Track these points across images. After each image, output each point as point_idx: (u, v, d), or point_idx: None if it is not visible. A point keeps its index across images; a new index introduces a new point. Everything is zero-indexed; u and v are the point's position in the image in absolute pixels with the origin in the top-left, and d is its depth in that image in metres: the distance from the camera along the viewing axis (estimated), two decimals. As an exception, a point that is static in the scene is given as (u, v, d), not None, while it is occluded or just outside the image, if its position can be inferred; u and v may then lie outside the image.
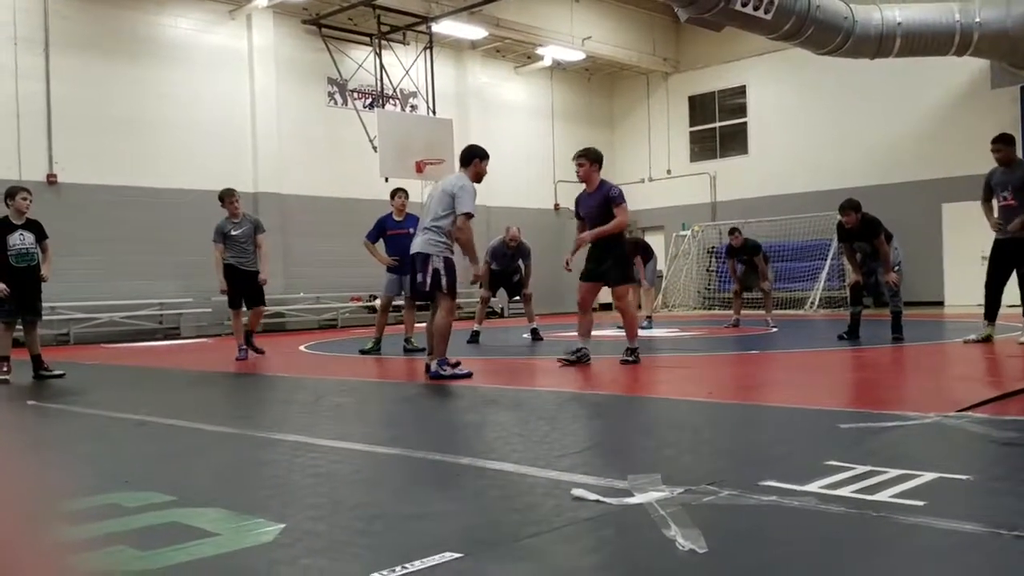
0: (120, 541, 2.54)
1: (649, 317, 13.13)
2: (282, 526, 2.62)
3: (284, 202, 18.21)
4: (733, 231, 13.26)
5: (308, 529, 2.62)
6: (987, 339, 8.44)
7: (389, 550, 2.37)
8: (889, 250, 9.21)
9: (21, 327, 8.46)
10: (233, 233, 9.68)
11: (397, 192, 10.27)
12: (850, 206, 9.09)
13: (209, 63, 17.39)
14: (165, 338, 16.14)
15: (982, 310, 8.66)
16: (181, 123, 16.84)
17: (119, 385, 8.17)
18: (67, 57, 15.56)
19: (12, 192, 8.18)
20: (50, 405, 6.33)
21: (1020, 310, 8.86)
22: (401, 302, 10.57)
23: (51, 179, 15.28)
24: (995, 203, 8.44)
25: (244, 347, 9.82)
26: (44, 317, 8.89)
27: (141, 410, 5.78)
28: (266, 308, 10.60)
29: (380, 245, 10.17)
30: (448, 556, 2.27)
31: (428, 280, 6.92)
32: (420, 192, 18.81)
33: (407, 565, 2.20)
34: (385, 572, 2.15)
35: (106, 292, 15.80)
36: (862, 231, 9.23)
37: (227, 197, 9.82)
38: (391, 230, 10.11)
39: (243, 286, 9.75)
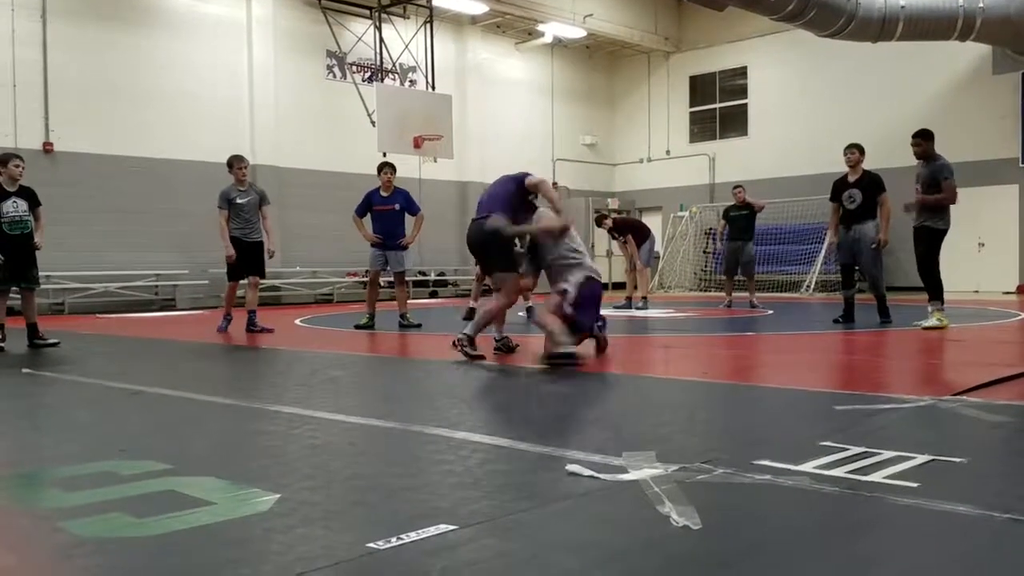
0: (116, 508, 2.54)
1: (644, 298, 13.13)
2: (278, 496, 2.63)
3: (281, 175, 18.14)
4: (738, 187, 13.33)
5: (304, 499, 2.62)
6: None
7: (384, 521, 2.38)
8: (889, 212, 9.25)
9: (17, 295, 8.44)
10: (239, 201, 9.53)
11: (384, 167, 10.14)
12: (924, 135, 9.02)
13: (208, 33, 17.27)
14: (160, 309, 16.12)
15: (976, 296, 8.88)
16: (179, 93, 16.74)
17: (114, 355, 8.16)
18: (65, 24, 15.43)
19: (4, 159, 8.13)
20: (45, 373, 6.33)
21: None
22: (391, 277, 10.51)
23: (47, 147, 15.20)
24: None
25: (229, 317, 9.74)
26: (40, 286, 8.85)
27: (136, 380, 5.78)
28: (262, 281, 10.51)
29: (368, 220, 10.12)
30: (443, 528, 2.28)
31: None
32: (418, 168, 18.80)
33: (402, 536, 2.21)
34: (381, 542, 2.16)
35: (102, 262, 15.76)
36: (868, 184, 9.28)
37: (236, 163, 9.64)
38: (378, 205, 10.03)
39: (244, 258, 9.60)
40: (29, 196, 8.16)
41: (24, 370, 6.47)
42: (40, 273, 8.52)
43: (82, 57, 15.63)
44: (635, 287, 13.26)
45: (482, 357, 6.40)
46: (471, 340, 6.43)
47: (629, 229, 13.14)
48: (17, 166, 8.11)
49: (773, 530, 2.33)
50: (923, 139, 8.86)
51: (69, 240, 14.55)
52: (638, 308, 12.80)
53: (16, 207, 8.04)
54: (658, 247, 18.85)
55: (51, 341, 8.27)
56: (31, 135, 15.02)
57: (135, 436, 3.90)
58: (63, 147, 15.37)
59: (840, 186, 9.52)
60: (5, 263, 7.96)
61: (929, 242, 8.69)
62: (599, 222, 13.28)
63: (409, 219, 10.15)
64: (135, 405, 4.88)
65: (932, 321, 8.67)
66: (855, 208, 9.30)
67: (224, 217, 9.51)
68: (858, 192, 9.29)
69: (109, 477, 2.95)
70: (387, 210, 9.98)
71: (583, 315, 6.24)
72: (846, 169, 9.58)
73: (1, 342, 7.96)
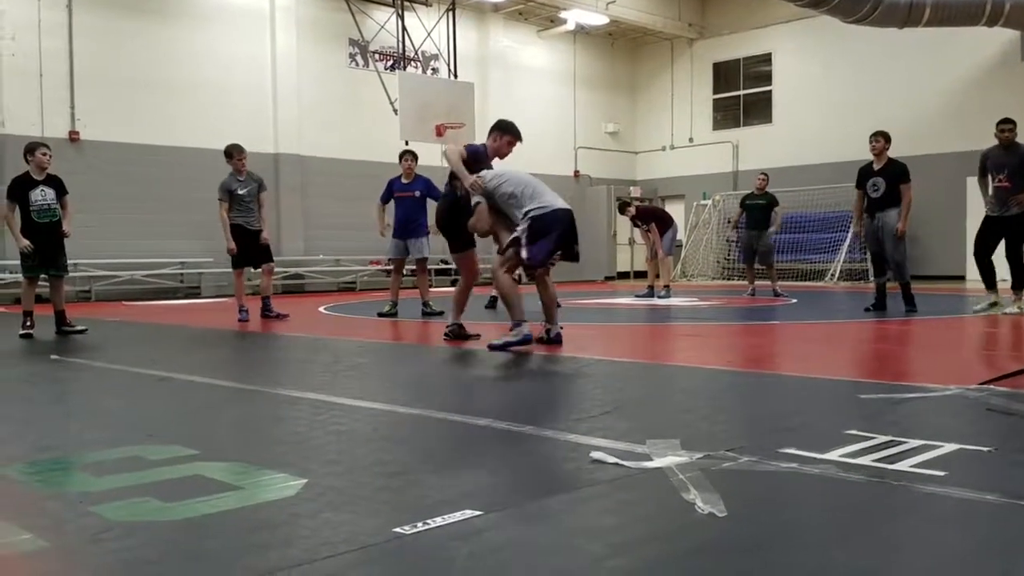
0: (144, 492, 2.57)
1: (667, 286, 13.08)
2: (304, 481, 2.65)
3: (304, 164, 18.22)
4: (763, 174, 13.28)
5: (329, 485, 2.64)
6: (994, 306, 8.95)
7: (410, 507, 2.39)
8: (910, 202, 9.19)
9: (45, 283, 8.53)
10: (240, 192, 9.51)
11: (404, 154, 10.23)
12: (1014, 121, 8.99)
13: (231, 23, 17.34)
14: (185, 297, 16.26)
15: (1003, 284, 8.90)
16: (202, 82, 16.83)
17: (140, 342, 8.24)
18: (90, 14, 15.54)
19: (32, 148, 8.21)
20: (73, 360, 6.40)
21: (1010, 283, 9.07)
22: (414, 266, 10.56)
23: (73, 136, 15.34)
24: (989, 182, 8.98)
25: (245, 308, 9.77)
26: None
27: (163, 366, 5.84)
28: (276, 266, 10.58)
29: (390, 207, 10.20)
30: (468, 514, 2.29)
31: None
32: (438, 156, 18.78)
33: (428, 521, 2.22)
34: (407, 527, 2.17)
35: (128, 250, 15.91)
36: (893, 173, 9.21)
37: (235, 153, 9.60)
38: (398, 192, 10.13)
39: (250, 246, 9.63)
40: (56, 185, 8.24)
41: (52, 357, 6.56)
42: (67, 261, 8.61)
43: (107, 46, 15.74)
44: (657, 276, 13.21)
45: (477, 336, 6.88)
46: (460, 327, 6.87)
47: (652, 217, 13.08)
48: (45, 154, 8.19)
49: (800, 518, 2.32)
50: (1013, 125, 8.82)
51: (95, 228, 14.70)
52: (660, 297, 12.76)
53: (44, 195, 8.12)
54: (680, 235, 18.78)
55: (79, 328, 8.36)
56: (57, 124, 15.16)
57: (162, 422, 3.94)
58: (89, 136, 15.51)
59: (865, 173, 9.44)
60: (34, 251, 8.05)
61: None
62: (622, 210, 13.22)
63: (431, 206, 10.18)
64: (162, 391, 4.93)
65: (1014, 308, 8.77)
66: (879, 196, 9.23)
67: (224, 209, 9.48)
68: (882, 180, 9.21)
69: (137, 462, 2.98)
70: (407, 196, 10.07)
71: (534, 252, 6.27)
72: (871, 156, 9.49)
73: (30, 329, 8.05)
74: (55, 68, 15.17)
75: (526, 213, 6.34)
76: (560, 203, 6.54)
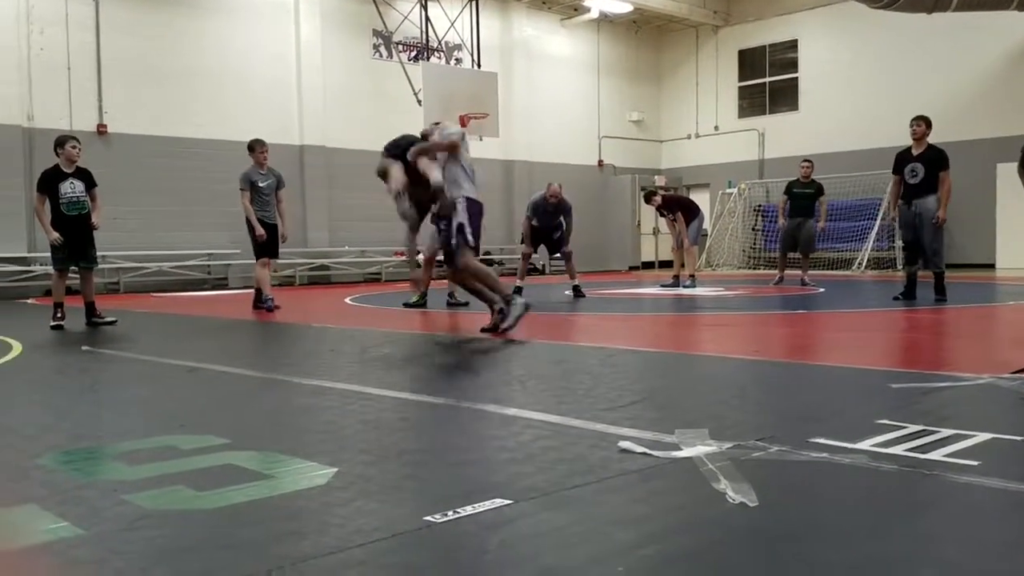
0: (177, 481, 2.60)
1: (692, 276, 13.02)
2: (335, 470, 2.67)
3: (329, 155, 18.29)
4: (806, 161, 13.04)
5: (360, 473, 2.66)
6: None
7: (440, 495, 2.40)
8: (949, 189, 9.03)
9: (75, 275, 8.63)
10: (260, 184, 9.74)
11: None
12: None
13: (256, 14, 17.41)
14: (213, 288, 16.38)
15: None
16: (228, 75, 16.93)
17: (169, 333, 8.32)
18: (117, 7, 15.66)
19: (62, 141, 8.29)
20: (104, 351, 6.48)
21: None
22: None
23: (101, 129, 15.48)
24: None
25: (270, 297, 9.87)
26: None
27: (192, 357, 5.89)
28: (302, 257, 10.69)
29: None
30: (498, 502, 2.29)
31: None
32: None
33: (458, 510, 2.23)
34: (438, 516, 2.18)
35: (155, 242, 16.05)
36: (932, 159, 9.06)
37: (257, 147, 9.89)
38: None
39: (268, 238, 9.80)
40: (85, 177, 8.32)
41: (83, 348, 6.63)
42: (97, 253, 8.70)
43: (134, 40, 15.86)
44: (682, 265, 13.15)
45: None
46: (503, 317, 6.74)
47: (679, 206, 13.00)
48: (74, 147, 8.27)
49: (832, 508, 2.31)
50: None
51: (123, 220, 14.86)
52: (686, 287, 12.70)
53: (73, 188, 8.19)
54: (706, 225, 18.67)
55: (108, 319, 8.46)
56: (85, 118, 15.30)
57: (193, 411, 3.98)
58: (116, 129, 15.65)
59: (903, 159, 9.26)
60: (63, 243, 8.14)
61: None
62: (648, 199, 13.14)
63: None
64: (192, 381, 4.98)
65: None
66: (917, 183, 9.06)
67: (247, 199, 9.72)
68: (921, 166, 9.05)
69: (170, 451, 3.02)
70: None
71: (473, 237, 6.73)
72: (901, 143, 9.36)
73: (61, 320, 8.15)
74: (83, 62, 15.31)
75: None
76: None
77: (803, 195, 12.83)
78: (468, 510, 2.23)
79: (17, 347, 6.60)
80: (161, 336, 7.92)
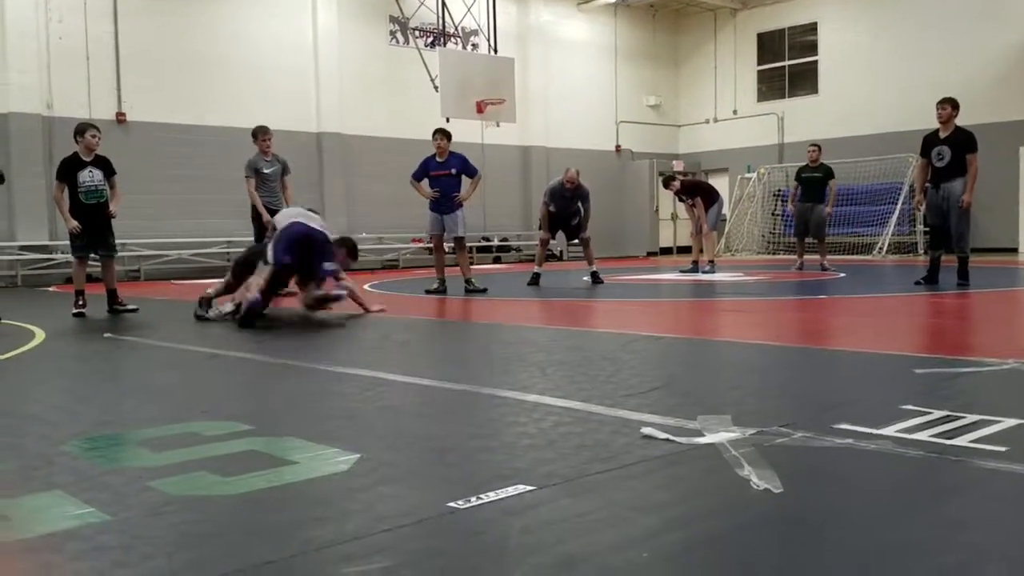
0: (201, 467, 2.62)
1: (712, 261, 12.96)
2: (358, 456, 2.67)
3: (347, 142, 18.30)
4: (813, 146, 13.01)
5: (383, 459, 2.66)
6: None
7: (463, 481, 2.40)
8: (976, 172, 8.92)
9: (97, 263, 8.68)
10: (265, 171, 9.87)
11: (435, 133, 10.23)
12: None
13: (273, 1, 17.41)
14: (232, 276, 16.42)
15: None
16: (245, 62, 16.96)
17: (190, 320, 8.35)
18: (134, -4, 15.71)
19: (82, 129, 8.32)
20: (126, 338, 6.52)
21: None
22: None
23: (120, 118, 15.55)
24: None
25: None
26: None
27: (213, 343, 5.92)
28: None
29: (425, 185, 10.26)
30: (521, 488, 2.29)
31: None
32: (480, 133, 18.80)
33: (481, 496, 2.23)
34: (460, 502, 2.18)
35: (175, 230, 16.14)
36: (959, 142, 8.95)
37: (261, 134, 10.01)
38: (434, 171, 10.21)
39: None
40: (104, 166, 8.34)
41: (105, 335, 6.68)
42: (117, 241, 8.75)
43: (152, 28, 15.90)
44: (701, 251, 13.09)
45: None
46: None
47: (697, 191, 12.93)
48: (94, 136, 8.30)
49: (857, 494, 2.29)
50: None
51: (144, 208, 14.94)
52: (705, 272, 12.64)
53: (92, 176, 8.23)
54: (725, 210, 18.56)
55: (130, 307, 8.51)
56: (105, 106, 15.37)
57: (215, 398, 4.00)
58: (135, 117, 15.72)
59: (930, 142, 9.16)
60: (82, 231, 8.17)
61: None
62: (666, 184, 13.07)
63: (467, 184, 10.27)
64: (213, 368, 5.00)
65: None
66: (943, 166, 8.96)
67: (252, 186, 9.86)
68: (948, 149, 8.95)
69: (193, 437, 3.03)
70: (443, 175, 10.14)
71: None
72: (922, 126, 9.25)
73: (82, 308, 8.21)
74: (101, 50, 15.38)
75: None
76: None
77: (812, 179, 12.77)
78: (491, 496, 2.23)
79: (40, 335, 6.65)
80: (182, 323, 7.95)
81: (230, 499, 2.32)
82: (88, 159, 8.25)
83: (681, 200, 13.41)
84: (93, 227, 8.25)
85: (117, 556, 1.91)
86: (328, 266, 7.40)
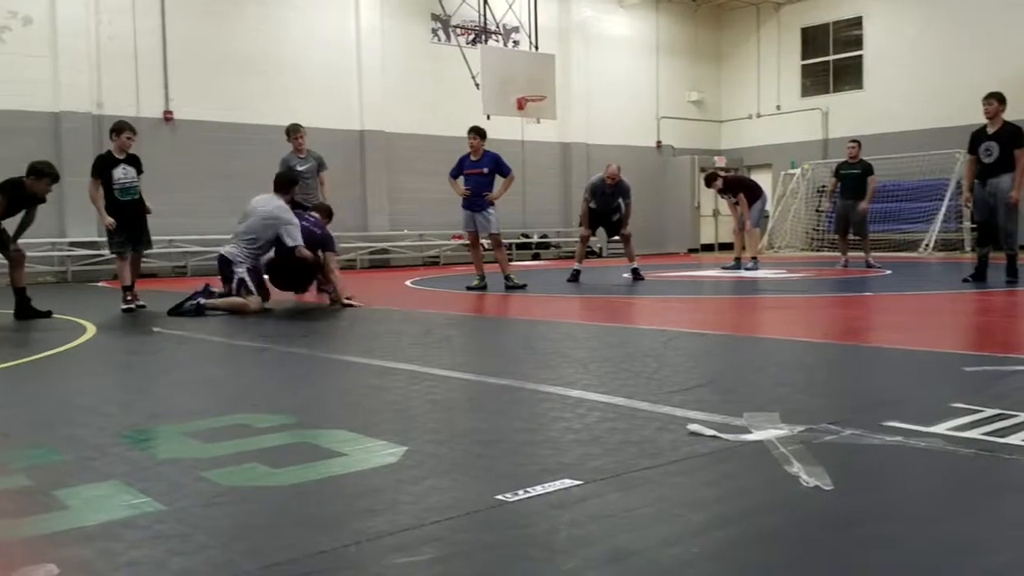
0: (252, 459, 2.66)
1: (755, 258, 12.84)
2: (405, 448, 2.71)
3: (389, 140, 18.41)
4: (853, 142, 12.86)
5: (430, 452, 2.69)
6: None
7: (510, 475, 2.42)
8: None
9: (146, 258, 8.77)
10: (300, 168, 9.87)
11: (470, 131, 10.30)
12: None
13: (316, 0, 17.56)
14: (275, 272, 16.60)
15: None
16: (289, 61, 17.12)
17: (236, 315, 8.46)
18: (181, -5, 15.95)
19: (120, 128, 8.42)
20: (174, 332, 6.62)
21: None
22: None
23: (167, 116, 15.79)
24: None
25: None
26: (163, 249, 9.20)
27: (259, 337, 6.01)
28: (362, 241, 10.79)
29: (460, 182, 10.36)
30: (568, 483, 2.30)
31: (233, 287, 8.19)
32: (521, 129, 18.81)
33: (528, 490, 2.24)
34: (508, 495, 2.20)
35: (221, 226, 16.32)
36: (1008, 137, 8.80)
37: (293, 132, 10.08)
38: (468, 169, 10.32)
39: None
40: (136, 163, 8.45)
41: (154, 329, 6.80)
42: (164, 237, 8.86)
43: (198, 26, 16.12)
44: (744, 248, 12.98)
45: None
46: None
47: (741, 188, 12.82)
48: (129, 138, 8.39)
49: (909, 491, 2.27)
50: None
51: (190, 205, 15.15)
52: (747, 269, 12.54)
53: (126, 174, 8.33)
54: (768, 206, 18.37)
55: (139, 303, 8.51)
56: (152, 105, 15.61)
57: (264, 391, 4.06)
58: (182, 116, 15.95)
59: (977, 138, 9.00)
60: (119, 228, 8.27)
61: None
62: (709, 182, 12.98)
63: (499, 182, 10.36)
64: (262, 361, 5.07)
65: None
66: (992, 162, 8.81)
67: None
68: (995, 145, 8.79)
69: (244, 429, 3.08)
70: (475, 173, 10.24)
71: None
72: (969, 122, 9.09)
73: (131, 303, 8.33)
74: (149, 50, 15.61)
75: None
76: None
77: (850, 176, 12.61)
78: (538, 489, 2.25)
79: (91, 329, 6.79)
80: (227, 318, 8.06)
81: (282, 490, 2.36)
82: (121, 157, 8.36)
83: (724, 197, 13.30)
84: (129, 224, 8.35)
85: (175, 545, 1.95)
86: (291, 242, 8.25)
